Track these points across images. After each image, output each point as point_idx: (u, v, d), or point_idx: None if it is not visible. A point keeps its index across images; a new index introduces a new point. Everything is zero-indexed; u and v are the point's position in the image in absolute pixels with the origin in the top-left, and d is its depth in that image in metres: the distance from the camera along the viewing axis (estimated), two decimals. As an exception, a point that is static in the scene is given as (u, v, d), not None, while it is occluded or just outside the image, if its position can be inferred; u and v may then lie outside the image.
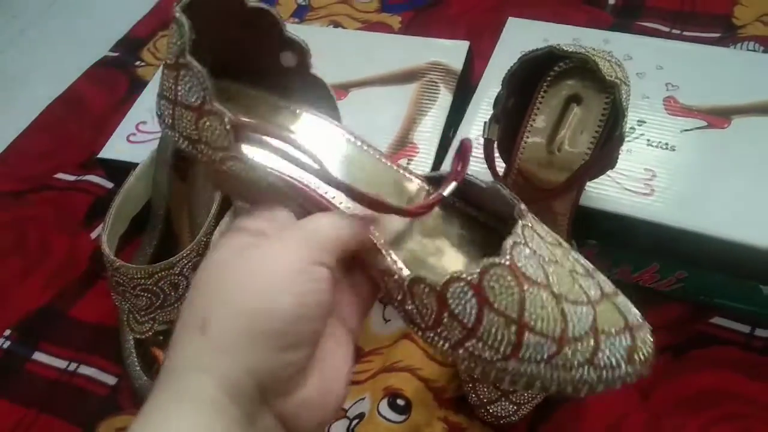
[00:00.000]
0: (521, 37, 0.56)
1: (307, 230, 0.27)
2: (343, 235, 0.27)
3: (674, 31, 0.65)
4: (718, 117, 0.47)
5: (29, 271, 0.58)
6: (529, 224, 0.28)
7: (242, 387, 0.23)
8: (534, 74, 0.42)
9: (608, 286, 0.29)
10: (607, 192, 0.44)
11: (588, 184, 0.43)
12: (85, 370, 0.51)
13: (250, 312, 0.24)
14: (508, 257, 0.25)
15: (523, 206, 0.29)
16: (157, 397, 0.24)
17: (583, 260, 0.30)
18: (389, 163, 0.32)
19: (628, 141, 0.46)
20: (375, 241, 0.28)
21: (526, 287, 0.25)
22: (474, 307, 0.25)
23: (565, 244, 0.30)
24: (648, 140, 0.47)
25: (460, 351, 0.26)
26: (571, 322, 0.26)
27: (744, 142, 0.45)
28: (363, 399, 0.45)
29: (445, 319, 0.26)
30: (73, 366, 0.51)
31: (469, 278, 0.25)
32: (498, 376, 0.26)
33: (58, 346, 0.52)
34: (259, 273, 0.25)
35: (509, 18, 0.59)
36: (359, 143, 0.32)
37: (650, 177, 0.45)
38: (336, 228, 0.27)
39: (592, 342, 0.26)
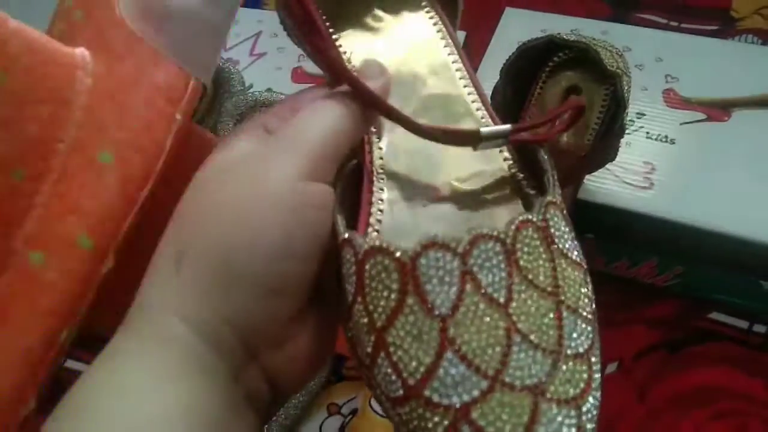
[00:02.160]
0: (519, 28, 0.55)
1: (304, 132, 0.21)
2: (351, 134, 0.22)
3: (672, 23, 0.64)
4: (718, 110, 0.47)
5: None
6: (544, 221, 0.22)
7: (221, 336, 0.20)
8: (532, 65, 0.41)
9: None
10: (606, 185, 0.43)
11: (587, 177, 0.42)
12: (74, 364, 0.50)
13: (227, 249, 0.19)
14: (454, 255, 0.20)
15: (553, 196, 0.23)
16: (122, 337, 0.20)
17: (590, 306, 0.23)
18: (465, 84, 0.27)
19: (627, 134, 0.46)
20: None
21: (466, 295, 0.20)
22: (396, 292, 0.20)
23: (581, 271, 0.23)
24: (647, 133, 0.46)
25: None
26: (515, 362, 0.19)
27: (744, 136, 0.45)
28: (357, 396, 0.44)
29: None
30: (68, 363, 0.50)
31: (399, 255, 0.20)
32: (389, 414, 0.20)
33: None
34: (241, 195, 0.20)
35: (506, 8, 0.58)
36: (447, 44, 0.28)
37: (649, 170, 0.44)
38: (342, 126, 0.22)
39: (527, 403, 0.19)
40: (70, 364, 0.50)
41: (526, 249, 0.21)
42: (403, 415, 0.19)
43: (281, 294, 0.20)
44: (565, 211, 0.23)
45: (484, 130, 0.23)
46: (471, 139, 0.23)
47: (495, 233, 0.20)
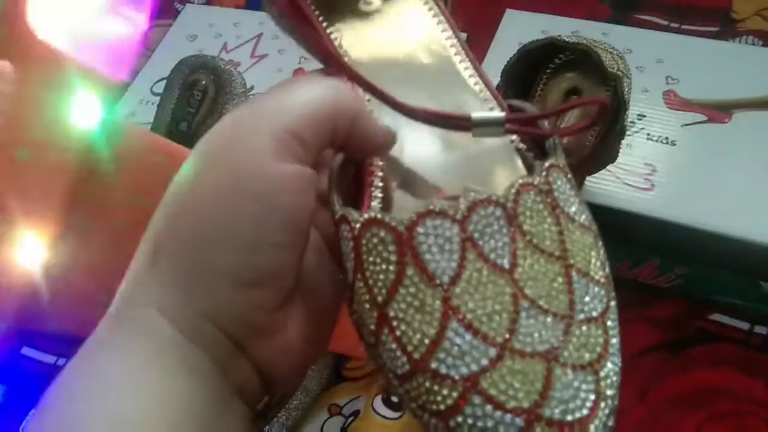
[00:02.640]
0: (519, 30, 0.55)
1: (273, 104, 0.20)
2: (328, 107, 0.20)
3: (672, 24, 0.64)
4: (719, 111, 0.47)
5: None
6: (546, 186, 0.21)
7: (201, 329, 0.19)
8: (533, 67, 0.41)
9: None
10: (607, 187, 0.43)
11: (588, 178, 0.42)
12: (74, 365, 0.50)
13: (198, 243, 0.19)
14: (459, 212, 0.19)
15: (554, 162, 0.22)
16: (104, 330, 0.20)
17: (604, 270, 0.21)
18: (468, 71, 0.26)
19: (628, 135, 0.46)
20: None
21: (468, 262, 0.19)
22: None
23: (591, 234, 0.22)
24: (648, 134, 0.46)
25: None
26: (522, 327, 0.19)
27: (744, 137, 0.45)
28: (358, 397, 0.44)
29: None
30: (62, 361, 0.50)
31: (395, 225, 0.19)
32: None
33: (48, 341, 0.52)
34: (211, 185, 0.19)
35: (507, 10, 0.58)
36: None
37: (650, 172, 0.44)
38: (320, 99, 0.20)
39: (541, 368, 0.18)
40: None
41: (528, 213, 0.20)
42: (411, 392, 0.18)
43: (259, 285, 0.19)
44: (570, 175, 0.22)
45: (475, 115, 0.22)
46: (462, 124, 0.22)
47: (494, 198, 0.20)
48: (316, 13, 0.26)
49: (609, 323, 0.20)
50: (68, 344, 0.50)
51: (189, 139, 0.53)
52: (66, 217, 0.26)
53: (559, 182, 0.21)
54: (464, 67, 0.26)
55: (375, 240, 0.19)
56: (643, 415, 0.42)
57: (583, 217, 0.22)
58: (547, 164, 0.21)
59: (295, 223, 0.19)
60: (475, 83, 0.25)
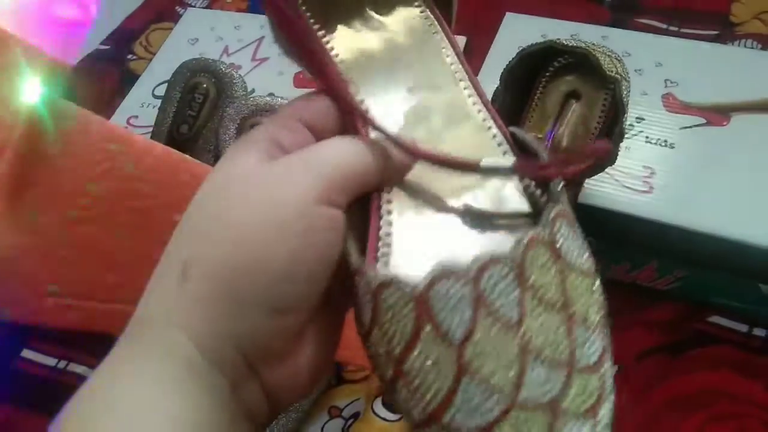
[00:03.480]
0: (519, 33, 0.55)
1: (320, 155, 0.21)
2: (370, 168, 0.21)
3: (671, 27, 0.64)
4: (717, 114, 0.47)
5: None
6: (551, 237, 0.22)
7: (224, 353, 0.20)
8: (532, 70, 0.42)
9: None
10: (606, 189, 0.44)
11: (586, 181, 0.42)
12: (76, 368, 0.50)
13: (232, 269, 0.19)
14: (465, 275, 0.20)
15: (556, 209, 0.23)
16: (124, 348, 0.20)
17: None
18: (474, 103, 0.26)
19: (627, 138, 0.46)
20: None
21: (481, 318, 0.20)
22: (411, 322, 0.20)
23: (590, 277, 0.23)
24: (647, 137, 0.46)
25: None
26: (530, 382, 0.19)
27: (743, 140, 0.45)
28: (358, 399, 0.44)
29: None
30: (63, 364, 0.50)
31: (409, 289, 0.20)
32: None
33: (48, 343, 0.52)
34: (249, 215, 0.20)
35: (507, 13, 0.58)
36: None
37: (649, 174, 0.44)
38: (361, 157, 0.21)
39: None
40: (72, 367, 0.50)
41: (535, 267, 0.21)
42: None
43: (286, 313, 0.20)
44: (572, 216, 0.23)
45: (484, 162, 0.23)
46: (470, 169, 0.23)
47: (504, 257, 0.20)
48: (330, 50, 0.26)
49: (605, 366, 0.21)
50: (71, 347, 0.51)
51: (190, 143, 0.53)
52: (13, 201, 0.26)
53: (563, 230, 0.22)
54: (464, 87, 0.27)
55: (392, 300, 0.20)
56: (642, 417, 0.42)
57: (583, 259, 0.23)
58: (553, 214, 0.22)
59: (327, 259, 0.21)
60: (474, 103, 0.26)
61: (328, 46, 0.26)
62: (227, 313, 0.19)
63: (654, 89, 0.49)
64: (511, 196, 0.25)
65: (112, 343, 0.51)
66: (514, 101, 0.42)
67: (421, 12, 0.28)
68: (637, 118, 0.48)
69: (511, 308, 0.20)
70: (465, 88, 0.27)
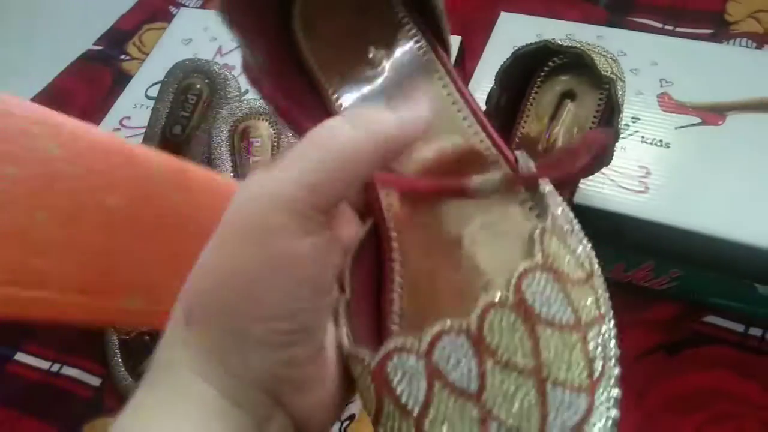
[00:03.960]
0: (514, 33, 0.55)
1: (294, 166, 0.20)
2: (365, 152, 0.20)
3: (667, 27, 0.64)
4: (713, 114, 0.47)
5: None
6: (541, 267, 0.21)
7: (245, 393, 0.20)
8: (527, 70, 0.41)
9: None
10: (601, 189, 0.43)
11: (582, 181, 0.42)
12: (69, 371, 0.50)
13: (230, 311, 0.19)
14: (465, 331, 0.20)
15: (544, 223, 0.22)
16: (147, 393, 0.20)
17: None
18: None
19: (623, 138, 0.46)
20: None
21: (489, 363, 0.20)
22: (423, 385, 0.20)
23: (575, 332, 0.21)
24: (642, 137, 0.46)
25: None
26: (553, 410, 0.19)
27: (738, 140, 0.45)
28: (353, 401, 0.44)
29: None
30: (56, 367, 0.50)
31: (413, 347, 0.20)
32: None
33: (42, 347, 0.51)
34: (242, 255, 0.19)
35: (502, 13, 0.58)
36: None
37: (644, 174, 0.44)
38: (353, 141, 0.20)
39: None
40: (65, 370, 0.50)
41: (496, 331, 0.20)
42: None
43: (291, 345, 0.20)
44: (562, 231, 0.22)
45: (474, 183, 0.23)
46: (464, 193, 0.23)
47: (456, 326, 0.20)
48: (335, 100, 0.26)
49: (589, 425, 0.19)
50: (64, 351, 0.50)
51: (183, 144, 0.53)
52: None
53: (534, 286, 0.21)
54: (468, 125, 0.26)
55: (357, 373, 0.21)
56: (640, 418, 0.42)
57: (567, 313, 0.21)
58: (520, 270, 0.21)
59: (323, 288, 0.21)
60: (475, 132, 0.26)
61: (334, 97, 0.27)
62: (235, 353, 0.19)
63: (649, 89, 0.49)
64: (514, 216, 0.24)
65: (103, 346, 0.51)
66: (509, 101, 0.42)
67: (417, 44, 0.28)
68: (632, 117, 0.47)
69: (468, 378, 0.20)
70: (469, 126, 0.27)
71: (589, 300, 0.21)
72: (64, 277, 0.23)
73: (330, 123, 0.20)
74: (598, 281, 0.23)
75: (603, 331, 0.21)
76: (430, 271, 0.24)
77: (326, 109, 0.27)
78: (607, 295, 0.22)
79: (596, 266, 0.23)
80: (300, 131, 0.23)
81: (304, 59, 0.27)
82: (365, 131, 0.20)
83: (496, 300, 0.20)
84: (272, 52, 0.25)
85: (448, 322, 0.20)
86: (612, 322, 0.21)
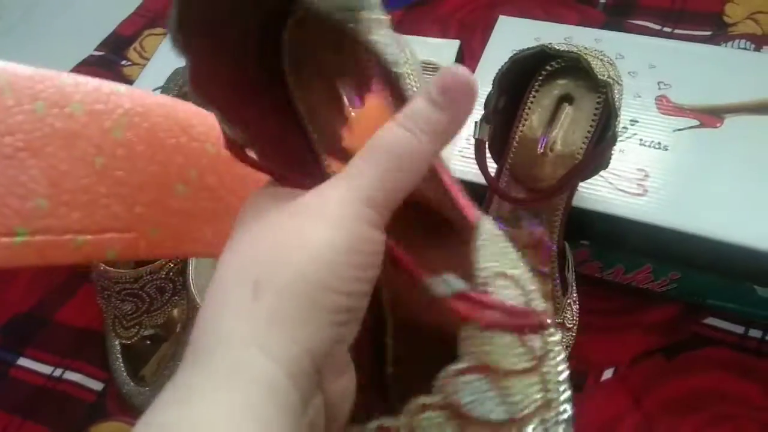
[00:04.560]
0: (512, 36, 0.55)
1: (377, 173, 0.22)
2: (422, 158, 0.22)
3: (665, 29, 0.65)
4: (711, 116, 0.47)
5: (13, 273, 0.57)
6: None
7: (302, 365, 0.20)
8: (525, 73, 0.42)
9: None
10: (600, 192, 0.44)
11: (581, 184, 0.42)
12: (72, 375, 0.50)
13: (305, 284, 0.20)
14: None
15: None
16: (195, 368, 0.20)
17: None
18: None
19: (621, 141, 0.46)
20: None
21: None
22: None
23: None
24: (641, 140, 0.46)
25: None
26: None
27: (737, 142, 0.45)
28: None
29: None
30: (58, 372, 0.50)
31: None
32: None
33: (44, 352, 0.52)
34: (324, 232, 0.21)
35: (500, 16, 0.58)
36: None
37: (643, 177, 0.44)
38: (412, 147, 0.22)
39: None
40: (68, 375, 0.50)
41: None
42: None
43: (349, 321, 0.21)
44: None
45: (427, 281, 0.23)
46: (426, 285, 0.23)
47: (392, 425, 0.21)
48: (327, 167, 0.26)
49: None
50: (67, 355, 0.50)
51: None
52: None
53: (461, 385, 0.21)
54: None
55: None
56: (639, 420, 0.42)
57: (499, 410, 0.21)
58: (448, 372, 0.21)
59: (376, 276, 0.22)
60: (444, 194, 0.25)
61: (326, 164, 0.27)
62: (302, 325, 0.20)
63: (647, 91, 0.49)
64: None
65: (105, 350, 0.51)
66: (507, 105, 0.42)
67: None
68: (630, 120, 0.48)
69: None
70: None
71: (532, 389, 0.21)
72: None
73: (394, 129, 0.22)
74: (550, 365, 0.22)
75: (548, 417, 0.21)
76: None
77: (320, 167, 0.27)
78: (563, 376, 0.22)
79: (554, 349, 0.22)
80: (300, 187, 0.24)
81: (295, 106, 0.27)
82: (427, 134, 0.22)
83: (426, 402, 0.21)
84: (253, 120, 0.25)
85: (384, 422, 0.21)
86: (565, 406, 0.21)
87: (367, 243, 0.21)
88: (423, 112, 0.22)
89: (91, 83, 0.30)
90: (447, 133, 0.22)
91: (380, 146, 0.22)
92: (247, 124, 0.24)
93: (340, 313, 0.21)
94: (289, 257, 0.21)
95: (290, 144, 0.27)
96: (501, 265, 0.22)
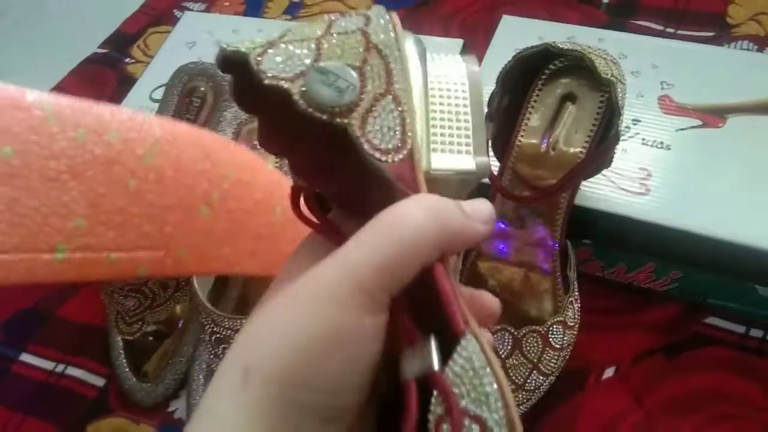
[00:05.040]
0: (515, 36, 0.55)
1: (349, 256, 0.20)
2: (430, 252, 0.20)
3: (668, 29, 0.65)
4: (713, 116, 0.47)
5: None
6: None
7: None
8: (528, 72, 0.42)
9: None
10: (603, 191, 0.44)
11: (583, 183, 0.42)
12: (73, 371, 0.50)
13: (292, 376, 0.20)
14: None
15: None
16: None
17: None
18: None
19: (623, 140, 0.46)
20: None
21: None
22: None
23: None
24: (643, 139, 0.46)
25: None
26: None
27: (739, 142, 0.45)
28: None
29: None
30: (60, 367, 0.50)
31: None
32: None
33: (46, 347, 0.52)
34: (313, 324, 0.20)
35: (503, 16, 0.58)
36: None
37: (645, 176, 0.44)
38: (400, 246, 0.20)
39: None
40: (70, 371, 0.50)
41: None
42: None
43: (337, 420, 0.20)
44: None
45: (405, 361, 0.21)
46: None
47: None
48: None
49: None
50: (69, 351, 0.51)
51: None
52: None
53: None
54: None
55: None
56: (640, 418, 0.42)
57: None
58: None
59: (373, 366, 0.21)
60: None
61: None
62: (286, 418, 0.20)
63: (650, 91, 0.49)
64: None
65: (108, 346, 0.51)
66: (510, 103, 0.42)
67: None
68: (633, 119, 0.48)
69: None
70: None
71: None
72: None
73: (403, 208, 0.21)
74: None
75: None
76: None
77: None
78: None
79: None
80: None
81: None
82: (434, 220, 0.21)
83: None
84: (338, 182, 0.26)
85: None
86: None
87: (355, 332, 0.20)
88: (441, 203, 0.21)
89: (126, 113, 0.33)
90: (456, 230, 0.21)
91: (385, 221, 0.21)
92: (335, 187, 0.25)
93: (324, 410, 0.20)
94: (273, 349, 0.20)
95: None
96: (467, 401, 0.19)
